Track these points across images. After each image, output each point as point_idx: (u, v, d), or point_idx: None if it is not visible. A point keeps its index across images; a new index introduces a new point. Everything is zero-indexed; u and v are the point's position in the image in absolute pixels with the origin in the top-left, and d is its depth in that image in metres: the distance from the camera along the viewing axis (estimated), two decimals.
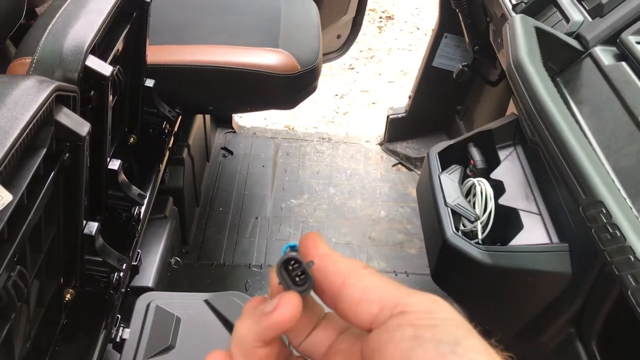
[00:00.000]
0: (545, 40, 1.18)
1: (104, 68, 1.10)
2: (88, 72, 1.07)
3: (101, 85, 1.11)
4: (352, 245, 2.04)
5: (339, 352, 0.38)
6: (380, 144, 2.52)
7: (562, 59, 1.22)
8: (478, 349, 0.31)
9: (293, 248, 0.39)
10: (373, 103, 3.31)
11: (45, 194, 0.91)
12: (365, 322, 0.35)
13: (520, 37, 1.04)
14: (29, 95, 0.86)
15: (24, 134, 0.81)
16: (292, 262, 0.37)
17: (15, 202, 0.81)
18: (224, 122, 2.46)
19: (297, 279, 0.36)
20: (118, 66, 1.21)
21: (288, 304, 0.35)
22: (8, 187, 0.81)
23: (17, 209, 0.82)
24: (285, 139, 2.51)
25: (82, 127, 0.97)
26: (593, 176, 0.87)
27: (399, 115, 2.44)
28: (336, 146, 2.49)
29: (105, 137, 1.17)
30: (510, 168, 1.40)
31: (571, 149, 0.88)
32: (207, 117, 2.18)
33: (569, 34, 1.24)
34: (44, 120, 0.88)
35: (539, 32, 1.17)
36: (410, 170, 2.39)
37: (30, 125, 0.82)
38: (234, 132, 2.48)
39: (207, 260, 1.91)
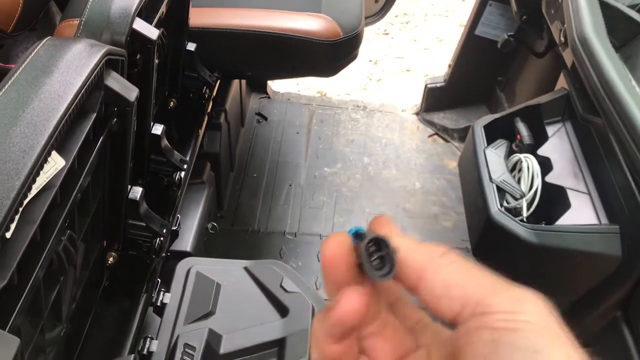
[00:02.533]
0: (607, 13, 1.13)
1: (151, 31, 1.09)
2: (135, 35, 1.06)
3: (147, 49, 1.09)
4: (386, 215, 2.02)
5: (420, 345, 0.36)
6: (417, 114, 2.47)
7: (623, 33, 1.17)
8: None
9: (358, 233, 0.35)
10: (407, 70, 3.25)
11: (94, 159, 0.91)
12: (447, 318, 0.32)
13: (585, 10, 0.99)
14: (80, 60, 0.84)
15: (77, 99, 0.80)
16: (374, 243, 0.33)
17: (67, 167, 0.81)
18: (258, 87, 2.44)
19: (373, 262, 0.33)
20: (162, 29, 1.19)
21: (349, 299, 0.32)
22: (60, 152, 0.81)
23: (69, 174, 0.82)
24: (320, 106, 2.48)
25: (131, 92, 0.95)
26: None
27: (438, 85, 2.38)
28: (371, 115, 2.46)
29: (150, 102, 1.16)
30: (559, 145, 1.36)
31: (639, 126, 0.84)
32: (243, 82, 2.16)
33: (632, 7, 1.18)
34: (94, 85, 0.87)
35: (601, 4, 1.12)
36: (447, 141, 2.34)
37: (83, 90, 0.81)
38: (269, 97, 2.45)
39: (241, 226, 1.91)
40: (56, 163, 0.80)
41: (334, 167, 2.20)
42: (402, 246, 0.33)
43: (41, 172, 0.75)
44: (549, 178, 1.29)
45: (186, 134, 1.50)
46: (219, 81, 1.63)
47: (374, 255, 0.33)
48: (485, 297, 0.30)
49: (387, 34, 3.60)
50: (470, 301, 0.31)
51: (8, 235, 0.70)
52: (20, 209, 0.72)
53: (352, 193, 2.10)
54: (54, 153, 0.79)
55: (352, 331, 0.34)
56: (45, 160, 0.74)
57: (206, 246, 1.62)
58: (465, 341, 0.30)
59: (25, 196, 0.70)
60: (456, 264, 0.32)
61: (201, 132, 1.54)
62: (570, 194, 1.25)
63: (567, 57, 1.30)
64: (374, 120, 2.43)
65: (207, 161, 1.67)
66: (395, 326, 0.37)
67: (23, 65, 0.81)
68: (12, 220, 0.68)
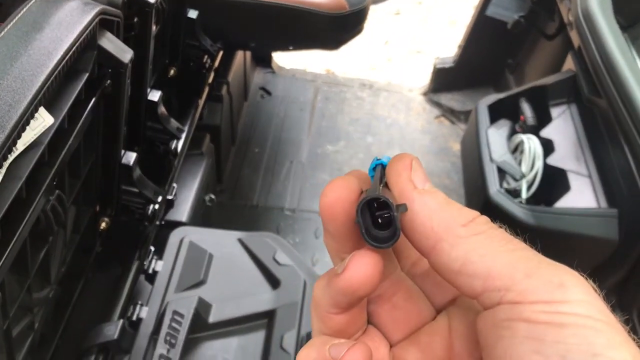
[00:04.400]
0: None
1: None
2: None
3: (145, 12, 1.07)
4: None
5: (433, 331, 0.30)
6: (424, 94, 2.44)
7: (632, 13, 1.13)
8: None
9: (384, 167, 0.30)
10: (418, 52, 3.21)
11: (85, 119, 0.90)
12: (465, 294, 0.27)
13: None
14: (72, 17, 0.83)
15: (67, 57, 0.78)
16: (378, 203, 0.27)
17: (56, 125, 0.80)
18: (263, 61, 2.41)
19: (380, 220, 0.28)
20: None
21: (360, 264, 0.27)
22: (50, 110, 0.80)
23: (58, 133, 0.81)
24: (325, 83, 2.45)
25: (125, 53, 0.94)
26: None
27: (446, 66, 2.35)
28: (377, 94, 2.43)
29: (147, 67, 1.14)
30: (562, 127, 1.33)
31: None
32: (247, 55, 2.13)
33: None
34: (87, 44, 0.85)
35: None
36: (453, 123, 2.32)
37: (74, 48, 0.80)
38: (273, 72, 2.43)
39: (240, 200, 1.91)
40: (44, 120, 0.79)
41: (337, 145, 2.18)
42: (418, 204, 0.27)
43: (28, 128, 0.73)
44: (551, 160, 1.27)
45: (186, 104, 1.49)
46: (221, 52, 1.61)
47: (382, 212, 0.28)
48: (517, 281, 0.24)
49: (398, 14, 3.55)
50: (496, 283, 0.25)
51: None
52: (6, 164, 0.72)
53: None
54: (42, 110, 0.77)
55: (361, 300, 0.29)
56: (32, 116, 0.73)
57: (203, 219, 1.62)
58: (495, 335, 0.25)
59: (10, 150, 0.69)
60: (482, 235, 0.26)
61: (201, 102, 1.53)
62: (570, 176, 1.23)
63: (575, 37, 1.27)
64: (380, 99, 2.41)
65: (206, 133, 1.66)
66: (409, 289, 0.31)
67: (14, 21, 0.80)
68: None
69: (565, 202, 1.19)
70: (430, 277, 0.31)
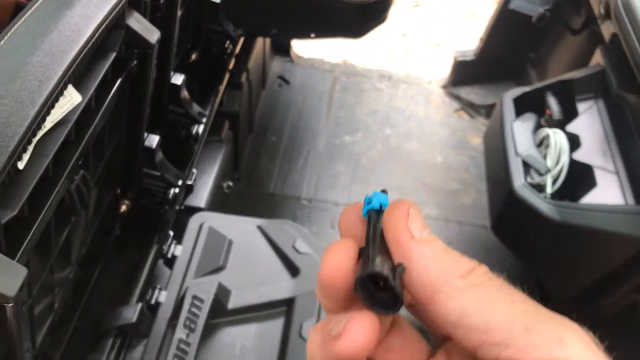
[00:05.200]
0: None
1: None
2: None
3: None
4: (405, 188, 1.99)
5: None
6: (443, 87, 2.42)
7: None
8: None
9: (376, 209, 0.30)
10: (437, 44, 3.17)
11: (111, 99, 0.89)
12: (463, 346, 0.26)
13: None
14: None
15: (97, 35, 0.77)
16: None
17: (83, 104, 0.79)
18: (282, 49, 2.39)
19: (380, 283, 0.27)
20: None
21: (358, 331, 0.26)
22: (77, 88, 0.79)
23: (85, 112, 0.80)
24: (344, 73, 2.43)
25: (152, 34, 0.93)
26: None
27: (467, 59, 2.32)
28: (396, 85, 2.41)
29: (171, 50, 1.13)
30: (589, 122, 1.31)
31: None
32: (267, 42, 2.12)
33: None
34: (115, 23, 0.84)
35: None
36: (473, 117, 2.29)
37: (103, 26, 0.79)
38: (292, 61, 2.41)
39: (256, 188, 1.90)
40: (72, 98, 0.78)
41: (355, 136, 2.16)
42: (416, 255, 0.27)
43: (56, 105, 0.73)
44: (577, 155, 1.25)
45: (206, 89, 1.48)
46: (242, 38, 1.59)
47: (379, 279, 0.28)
48: (516, 335, 0.24)
49: (417, 5, 3.51)
50: (495, 337, 0.24)
51: (21, 165, 0.68)
52: (34, 141, 0.71)
53: (371, 164, 2.07)
54: (70, 87, 0.76)
55: None
56: (61, 93, 0.72)
57: (220, 206, 1.61)
58: None
59: (40, 127, 0.69)
60: (480, 287, 0.26)
61: (222, 88, 1.51)
62: (597, 172, 1.21)
63: (606, 30, 1.24)
64: (398, 91, 2.39)
65: (226, 119, 1.65)
66: (404, 329, 0.31)
67: None
68: (24, 150, 0.66)
69: (591, 198, 1.17)
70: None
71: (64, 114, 0.77)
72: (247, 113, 1.91)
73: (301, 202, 1.87)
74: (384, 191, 0.32)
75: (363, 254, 0.28)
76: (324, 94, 2.29)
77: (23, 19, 0.75)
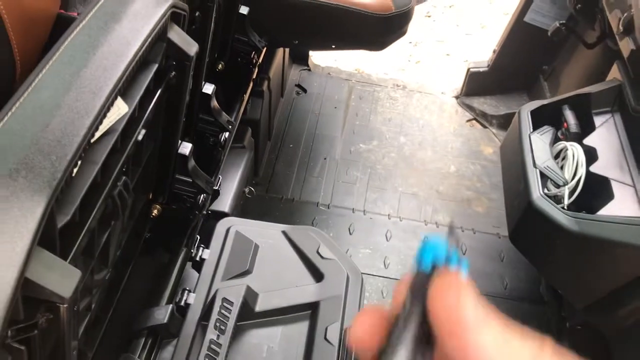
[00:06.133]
0: None
1: None
2: None
3: (207, 6, 1.10)
4: (419, 196, 2.02)
5: None
6: (456, 97, 2.45)
7: None
8: None
9: (426, 273, 0.28)
10: (447, 55, 3.21)
11: (152, 109, 0.93)
12: None
13: None
14: (147, 9, 0.86)
15: (144, 47, 0.81)
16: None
17: (129, 113, 0.83)
18: (299, 59, 2.44)
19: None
20: None
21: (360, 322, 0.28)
22: (124, 98, 0.83)
23: (129, 121, 0.84)
24: (359, 82, 2.47)
25: (191, 46, 0.97)
26: None
27: (481, 69, 2.36)
28: (410, 95, 2.44)
29: (204, 61, 1.17)
30: (606, 135, 1.34)
31: None
32: (286, 52, 2.16)
33: None
34: (158, 36, 0.88)
35: None
36: (485, 127, 2.32)
37: (149, 40, 0.82)
38: (309, 70, 2.45)
39: (275, 193, 1.93)
40: (119, 108, 0.82)
41: (370, 144, 2.20)
42: (473, 342, 0.25)
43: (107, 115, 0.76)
44: (594, 168, 1.28)
45: (232, 98, 1.51)
46: (265, 48, 1.63)
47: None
48: None
49: (429, 16, 3.56)
50: None
51: (73, 173, 0.72)
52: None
53: (386, 171, 2.10)
54: (118, 98, 0.80)
55: None
56: (112, 104, 0.76)
57: (241, 210, 1.65)
58: None
59: (93, 136, 0.72)
60: None
61: (246, 97, 1.55)
62: (614, 185, 1.24)
63: (625, 46, 1.27)
64: (412, 100, 2.42)
65: (248, 127, 1.69)
66: None
67: (93, 11, 0.82)
68: (80, 158, 0.70)
69: (608, 211, 1.20)
70: None
71: (112, 123, 0.81)
72: (267, 121, 1.95)
73: (319, 207, 1.90)
74: (451, 230, 0.28)
75: (391, 333, 0.27)
76: (340, 102, 2.33)
77: (75, 32, 0.79)
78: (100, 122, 0.74)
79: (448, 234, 0.28)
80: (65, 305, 0.67)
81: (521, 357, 0.24)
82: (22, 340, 0.65)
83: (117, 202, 0.89)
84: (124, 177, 0.89)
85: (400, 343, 0.27)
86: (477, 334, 0.25)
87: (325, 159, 2.09)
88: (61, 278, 0.65)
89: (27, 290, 0.60)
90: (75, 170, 0.73)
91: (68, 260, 0.73)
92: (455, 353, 0.25)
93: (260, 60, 1.61)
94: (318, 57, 2.65)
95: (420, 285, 0.27)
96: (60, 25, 1.14)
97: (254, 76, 1.61)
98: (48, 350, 0.74)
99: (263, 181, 1.96)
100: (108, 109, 0.75)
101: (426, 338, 0.27)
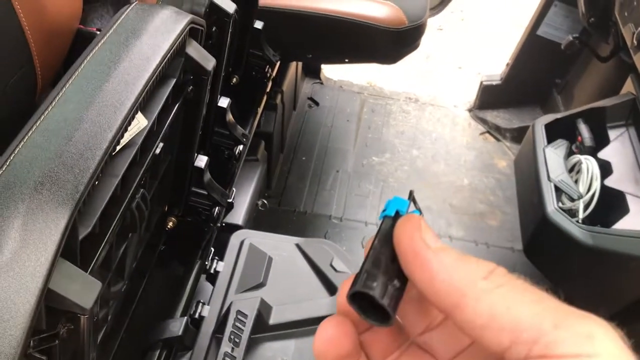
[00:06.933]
0: None
1: (228, 5, 1.11)
2: (213, 7, 1.09)
3: (224, 22, 1.12)
4: (432, 209, 2.02)
5: None
6: (469, 110, 2.46)
7: None
8: None
9: (391, 216, 0.31)
10: (460, 67, 3.22)
11: (169, 122, 0.94)
12: (492, 351, 0.26)
13: None
14: (167, 25, 0.87)
15: (163, 62, 0.82)
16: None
17: (148, 127, 0.84)
18: (312, 72, 2.45)
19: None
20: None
21: (323, 331, 0.31)
22: (144, 112, 0.84)
23: (148, 135, 0.85)
24: (372, 95, 2.48)
25: (208, 61, 0.98)
26: None
27: (494, 83, 2.36)
28: (423, 108, 2.45)
29: (220, 75, 1.19)
30: (621, 149, 1.34)
31: None
32: (299, 65, 2.18)
33: None
34: (177, 51, 0.89)
35: None
36: (498, 140, 2.32)
37: (169, 55, 0.84)
38: (321, 83, 2.47)
39: (287, 206, 1.94)
40: (139, 122, 0.83)
41: (382, 157, 2.20)
42: (436, 263, 0.27)
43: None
44: (609, 182, 1.28)
45: (246, 111, 1.53)
46: (279, 62, 1.65)
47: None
48: (545, 332, 0.24)
49: (441, 29, 3.57)
50: (524, 336, 0.24)
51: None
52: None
53: (398, 184, 2.10)
54: (138, 112, 0.82)
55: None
56: (133, 118, 0.77)
57: (254, 223, 1.66)
58: None
59: (114, 150, 0.74)
60: (505, 287, 0.26)
61: (260, 110, 1.57)
62: (629, 199, 1.24)
63: (639, 60, 1.28)
64: (425, 113, 2.43)
65: (261, 140, 1.70)
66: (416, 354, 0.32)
67: (114, 26, 0.84)
68: (102, 172, 0.71)
69: (623, 225, 1.20)
70: (441, 338, 0.31)
71: (132, 136, 0.82)
72: (280, 134, 1.97)
73: (332, 220, 1.91)
74: (411, 196, 0.32)
75: (362, 265, 0.29)
76: (352, 115, 2.34)
77: (97, 47, 0.80)
78: (122, 136, 0.75)
79: (409, 196, 0.32)
80: (85, 316, 0.68)
81: (477, 273, 0.27)
82: (43, 350, 0.66)
83: (135, 215, 0.90)
84: (142, 190, 0.90)
85: (375, 267, 0.29)
86: (437, 251, 0.27)
87: (337, 171, 2.10)
88: (82, 289, 0.66)
89: (49, 301, 0.61)
90: (96, 182, 0.74)
91: (88, 271, 0.74)
92: (417, 269, 0.28)
93: (274, 74, 1.63)
94: (330, 71, 2.67)
95: (386, 228, 0.30)
96: (80, 40, 1.17)
97: (268, 89, 1.62)
98: None
99: (276, 194, 1.97)
100: (129, 123, 0.76)
101: (397, 274, 0.29)
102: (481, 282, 0.26)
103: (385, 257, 0.29)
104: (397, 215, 0.31)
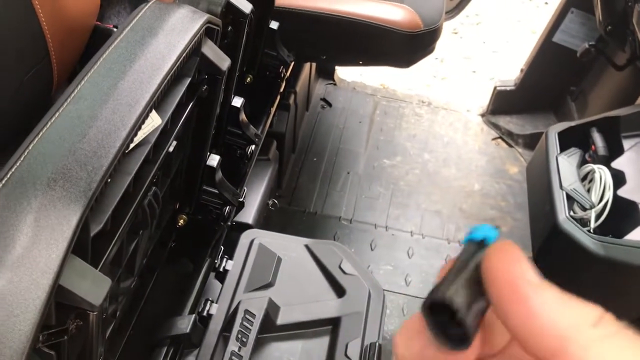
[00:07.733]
0: None
1: (245, 5, 1.12)
2: (230, 7, 1.09)
3: (240, 22, 1.12)
4: (442, 214, 2.01)
5: None
6: (482, 115, 2.44)
7: None
8: None
9: (477, 241, 0.28)
10: (473, 72, 3.20)
11: (183, 121, 0.94)
12: None
13: None
14: (183, 24, 0.88)
15: (179, 61, 0.83)
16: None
17: (162, 126, 0.85)
18: (325, 73, 2.46)
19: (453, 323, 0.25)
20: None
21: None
22: (158, 111, 0.85)
23: (161, 133, 0.86)
24: (384, 98, 2.48)
25: (223, 61, 0.99)
26: None
27: (507, 88, 2.35)
28: (435, 111, 2.44)
29: (234, 75, 1.19)
30: (635, 159, 1.33)
31: None
32: (313, 66, 2.18)
33: None
34: (193, 51, 0.90)
35: None
36: (511, 146, 2.31)
37: (184, 54, 0.84)
38: (335, 84, 2.47)
39: (298, 206, 1.94)
40: (153, 120, 0.83)
41: (394, 159, 2.20)
42: (537, 303, 0.24)
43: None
44: (622, 192, 1.27)
45: (259, 111, 1.53)
46: (293, 62, 1.65)
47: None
48: None
49: (456, 33, 3.55)
50: None
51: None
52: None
53: (409, 187, 2.10)
54: (153, 111, 0.82)
55: None
56: (147, 116, 0.78)
57: (264, 222, 1.66)
58: None
59: (128, 147, 0.74)
60: (616, 338, 0.24)
61: (273, 110, 1.57)
62: None
63: None
64: (437, 117, 2.42)
65: (273, 140, 1.70)
66: None
67: (131, 24, 0.85)
68: (115, 169, 0.71)
69: (635, 235, 1.19)
70: None
71: (145, 135, 0.83)
72: (292, 134, 1.97)
73: (341, 222, 1.91)
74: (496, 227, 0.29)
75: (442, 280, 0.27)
76: (364, 117, 2.34)
77: (113, 45, 0.81)
78: (135, 134, 0.76)
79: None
80: (95, 313, 0.69)
81: (585, 318, 0.24)
82: (52, 346, 0.67)
83: (147, 212, 0.90)
84: (154, 188, 0.91)
85: (459, 279, 0.26)
86: (538, 295, 0.25)
87: (348, 173, 2.10)
88: (92, 286, 0.66)
89: (59, 297, 0.62)
90: (109, 180, 0.75)
91: (98, 268, 0.75)
92: (513, 312, 0.25)
93: (288, 74, 1.63)
94: (344, 72, 2.67)
95: (472, 251, 0.27)
96: (97, 37, 1.17)
97: (281, 90, 1.62)
98: (75, 356, 0.75)
99: (286, 194, 1.97)
100: (143, 122, 0.77)
101: (480, 298, 0.26)
102: (590, 329, 0.24)
103: (471, 281, 0.26)
104: (483, 243, 0.28)
